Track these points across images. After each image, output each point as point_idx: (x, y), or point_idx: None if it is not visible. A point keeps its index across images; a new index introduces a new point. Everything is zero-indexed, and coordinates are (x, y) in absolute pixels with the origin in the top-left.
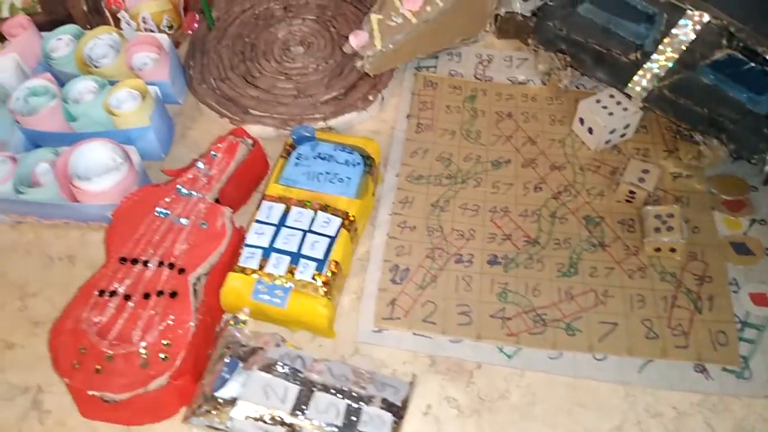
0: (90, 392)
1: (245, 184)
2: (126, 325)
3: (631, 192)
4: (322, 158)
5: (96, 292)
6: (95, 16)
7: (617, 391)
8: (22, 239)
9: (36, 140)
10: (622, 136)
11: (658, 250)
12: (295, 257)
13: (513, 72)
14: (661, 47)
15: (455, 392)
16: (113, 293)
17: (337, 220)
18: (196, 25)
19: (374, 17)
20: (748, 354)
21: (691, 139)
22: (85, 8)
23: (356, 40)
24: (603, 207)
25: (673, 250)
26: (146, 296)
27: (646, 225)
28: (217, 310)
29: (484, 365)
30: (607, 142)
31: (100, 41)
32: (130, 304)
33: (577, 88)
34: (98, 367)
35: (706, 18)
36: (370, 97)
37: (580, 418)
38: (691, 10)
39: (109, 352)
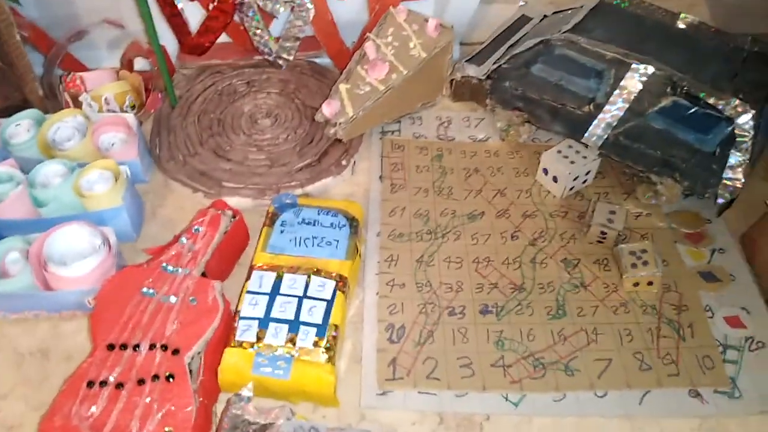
0: None
1: (229, 256)
2: (122, 415)
3: (602, 233)
4: (307, 223)
5: (84, 384)
6: (51, 101)
7: (623, 426)
8: None
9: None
10: (584, 182)
11: (636, 284)
12: (294, 325)
13: (472, 131)
14: (611, 99)
15: None
16: (104, 383)
17: (332, 283)
18: (159, 104)
19: (342, 87)
20: (734, 375)
21: (647, 180)
22: (41, 93)
23: (329, 108)
24: (577, 249)
25: (650, 283)
26: (141, 382)
27: (623, 262)
28: (214, 390)
29: (493, 416)
30: (571, 189)
31: (64, 124)
32: (124, 392)
33: (533, 141)
34: None
35: (651, 69)
36: (343, 162)
37: None
38: (636, 64)
39: None
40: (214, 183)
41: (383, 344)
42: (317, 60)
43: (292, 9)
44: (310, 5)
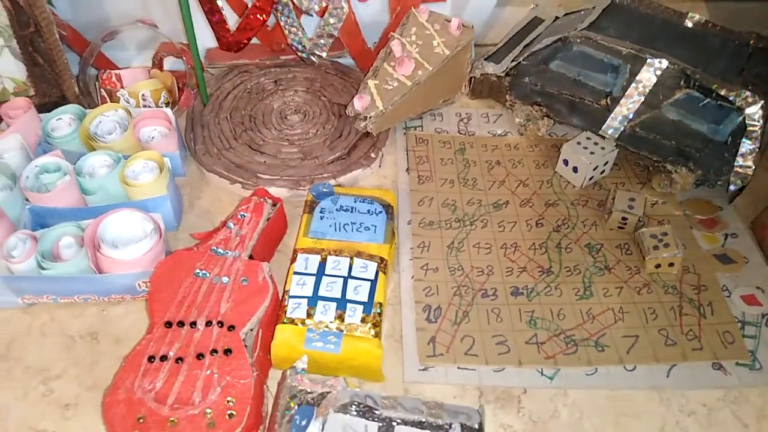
0: None
1: (271, 241)
2: (183, 387)
3: (623, 218)
4: (345, 210)
5: (145, 359)
6: (86, 98)
7: (652, 397)
8: (36, 322)
9: (45, 217)
10: (602, 172)
11: (658, 266)
12: (341, 303)
13: (491, 126)
14: (627, 92)
15: (508, 419)
16: (164, 357)
17: (374, 264)
18: (191, 102)
19: (371, 82)
20: (753, 348)
21: (662, 169)
22: (77, 90)
23: (360, 102)
24: (599, 235)
25: (671, 264)
26: (200, 356)
27: (645, 245)
28: (267, 366)
29: (529, 389)
30: (590, 179)
31: (105, 118)
32: (184, 366)
33: (550, 135)
34: None
35: (665, 64)
36: (372, 155)
37: (626, 427)
38: (651, 59)
39: (173, 416)
40: (250, 175)
41: (422, 324)
42: (340, 60)
43: (327, 7)
44: (344, 4)
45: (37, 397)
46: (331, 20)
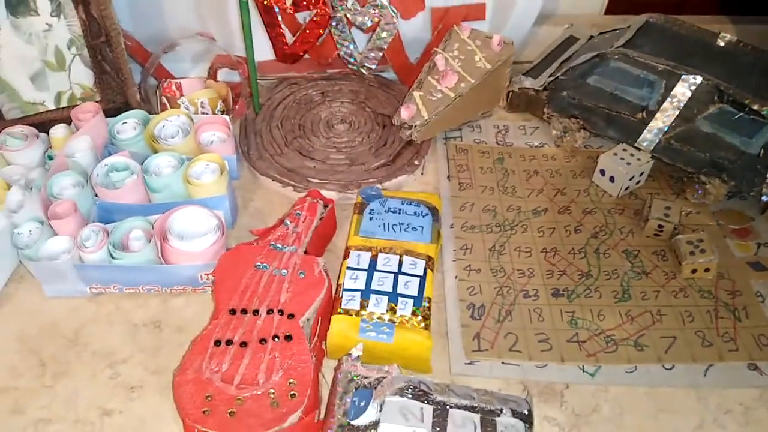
0: None
1: (323, 239)
2: (248, 369)
3: (660, 226)
4: (392, 212)
5: (212, 343)
6: (146, 104)
7: (690, 395)
8: (102, 310)
9: (112, 213)
10: (638, 182)
11: (694, 271)
12: (393, 296)
13: (528, 138)
14: (663, 106)
15: (552, 412)
16: (229, 341)
17: (422, 262)
18: (244, 111)
19: (416, 94)
20: None
21: (696, 180)
22: (138, 98)
23: (407, 112)
24: (636, 242)
25: (707, 270)
26: (262, 341)
27: (682, 251)
28: (321, 354)
29: (572, 385)
30: (626, 189)
31: (168, 123)
32: (248, 350)
33: (586, 147)
34: (231, 410)
35: (699, 79)
36: (416, 162)
37: (665, 422)
38: (686, 75)
39: (239, 395)
40: (301, 179)
41: (466, 321)
42: (384, 74)
43: (379, 23)
44: (396, 20)
45: (105, 379)
46: (383, 34)
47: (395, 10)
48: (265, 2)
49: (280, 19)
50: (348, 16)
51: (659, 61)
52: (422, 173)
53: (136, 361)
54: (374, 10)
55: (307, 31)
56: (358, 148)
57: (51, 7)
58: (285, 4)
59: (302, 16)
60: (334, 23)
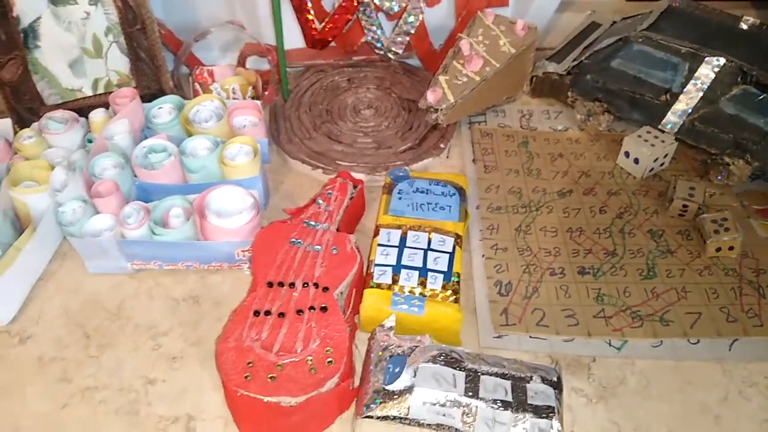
0: (267, 399)
1: (353, 218)
2: (287, 338)
3: (684, 206)
4: (421, 192)
5: (251, 313)
6: (179, 90)
7: (715, 368)
8: (142, 286)
9: (150, 192)
10: (662, 164)
11: (718, 249)
12: (423, 271)
13: (552, 122)
14: (686, 88)
15: (579, 383)
16: (268, 312)
17: (451, 239)
18: (273, 97)
19: (442, 78)
20: None
21: (720, 161)
22: (171, 84)
23: (433, 95)
24: (661, 222)
25: (731, 248)
26: (299, 312)
27: (706, 229)
28: (354, 326)
29: (598, 358)
30: (650, 170)
31: (202, 107)
32: (286, 320)
33: (609, 131)
34: (272, 375)
35: (722, 61)
36: (442, 145)
37: (691, 394)
38: (709, 57)
39: (279, 362)
40: (330, 161)
41: (494, 297)
42: (408, 60)
43: (406, 8)
44: (422, 4)
45: (147, 350)
46: (410, 19)
47: None
48: None
49: (309, 5)
50: (376, 1)
51: (682, 44)
52: (447, 156)
53: (177, 333)
54: None
55: (336, 17)
56: (384, 132)
57: None
58: None
59: (330, 2)
60: (362, 9)
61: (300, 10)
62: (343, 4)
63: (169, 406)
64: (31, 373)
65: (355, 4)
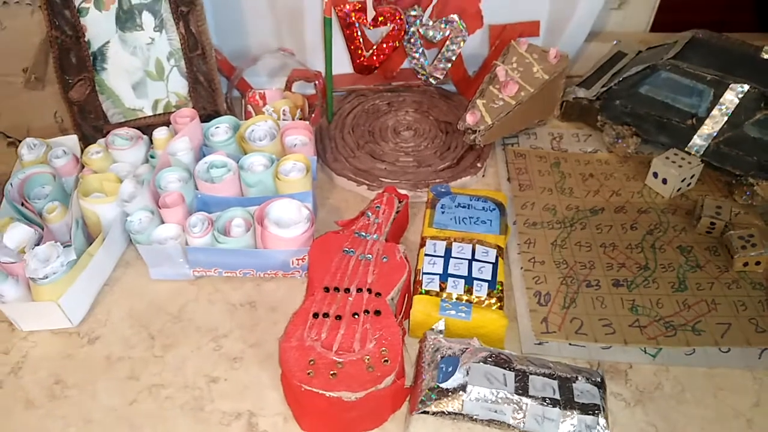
0: (329, 394)
1: (399, 230)
2: (345, 338)
3: (712, 224)
4: (462, 207)
5: (311, 315)
6: (230, 111)
7: (746, 376)
8: (202, 292)
9: (210, 205)
10: (688, 185)
11: (745, 264)
12: (468, 279)
13: (582, 145)
14: (712, 113)
15: (618, 388)
16: (326, 315)
17: (493, 251)
18: (319, 119)
19: (479, 102)
20: None
21: (744, 182)
22: (225, 106)
23: (472, 117)
24: (689, 239)
25: (758, 263)
26: (355, 315)
27: (734, 245)
28: (404, 331)
29: (635, 365)
30: (678, 190)
31: (257, 127)
32: (343, 322)
33: (637, 153)
34: (333, 372)
35: (746, 88)
36: (478, 164)
37: (724, 399)
38: (734, 84)
39: (339, 360)
40: (374, 178)
41: (534, 306)
42: (443, 86)
43: (449, 37)
44: (466, 33)
45: (209, 351)
46: (452, 47)
47: (464, 25)
48: (348, 19)
49: (359, 34)
50: (420, 30)
51: (708, 72)
52: (483, 175)
53: (236, 335)
54: (445, 25)
55: (383, 45)
56: (424, 152)
57: (155, 23)
58: (366, 20)
59: (376, 32)
60: (407, 37)
61: (350, 39)
62: (391, 33)
63: (232, 402)
64: (101, 371)
65: (401, 33)
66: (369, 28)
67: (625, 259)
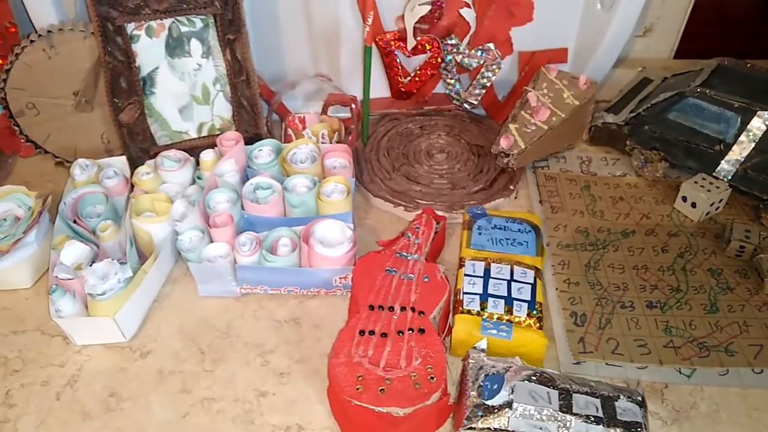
0: (379, 409)
1: (436, 250)
2: (391, 355)
3: (741, 247)
4: (498, 228)
5: (357, 332)
6: (271, 135)
7: None
8: (248, 308)
9: (255, 225)
10: (717, 209)
11: None
12: (508, 300)
13: (610, 168)
14: (739, 139)
15: (654, 407)
16: (372, 332)
17: (531, 272)
18: (355, 142)
19: (512, 126)
20: None
21: None
22: (265, 129)
23: (506, 142)
24: (719, 261)
25: None
26: (400, 333)
27: (763, 268)
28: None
29: (670, 384)
30: (706, 214)
31: (299, 150)
32: (389, 340)
33: (665, 178)
34: (381, 388)
35: None
36: (511, 187)
37: (759, 419)
38: (761, 111)
39: (387, 376)
40: (410, 200)
41: (570, 326)
42: (474, 110)
43: (484, 64)
44: (501, 61)
45: (257, 366)
46: (488, 74)
47: (500, 53)
48: (388, 47)
49: (399, 61)
50: (457, 59)
51: (735, 99)
52: (515, 197)
53: (282, 351)
54: (481, 53)
55: (421, 71)
56: (457, 174)
57: (202, 50)
58: (406, 48)
59: (412, 59)
60: (443, 65)
61: (389, 66)
62: (428, 61)
63: (281, 416)
64: (154, 384)
65: (439, 61)
66: (408, 56)
67: (658, 281)
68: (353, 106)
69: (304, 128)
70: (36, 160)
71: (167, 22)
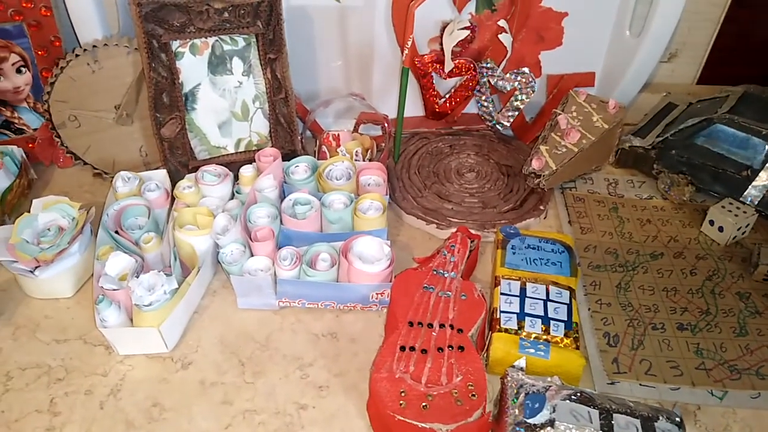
0: (422, 425)
1: (469, 269)
2: (432, 372)
3: None
4: (532, 248)
5: (398, 348)
6: (305, 151)
7: None
8: (285, 321)
9: (293, 239)
10: (744, 233)
11: None
12: (545, 319)
13: (637, 191)
14: (767, 166)
15: (688, 429)
16: (412, 348)
17: (566, 292)
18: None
19: (543, 148)
20: None
21: None
22: (300, 146)
23: (538, 163)
24: (747, 285)
25: None
26: (440, 350)
27: None
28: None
29: (702, 406)
30: (734, 238)
31: (335, 167)
32: (429, 356)
33: (691, 201)
34: (424, 404)
35: None
36: (541, 207)
37: None
38: None
39: (429, 392)
40: (442, 218)
41: (604, 347)
42: (502, 131)
43: (519, 87)
44: (535, 84)
45: (296, 379)
46: (521, 96)
47: (534, 77)
48: (425, 69)
49: (434, 82)
50: (491, 81)
51: (763, 126)
52: (545, 218)
53: (321, 364)
54: (515, 76)
55: (456, 92)
56: (488, 194)
57: (243, 68)
58: (443, 71)
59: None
60: (478, 87)
61: (426, 87)
62: (464, 83)
63: (321, 430)
64: (195, 395)
65: (473, 83)
66: (444, 78)
67: (687, 303)
68: (386, 124)
69: (338, 146)
70: (73, 170)
71: (211, 40)
